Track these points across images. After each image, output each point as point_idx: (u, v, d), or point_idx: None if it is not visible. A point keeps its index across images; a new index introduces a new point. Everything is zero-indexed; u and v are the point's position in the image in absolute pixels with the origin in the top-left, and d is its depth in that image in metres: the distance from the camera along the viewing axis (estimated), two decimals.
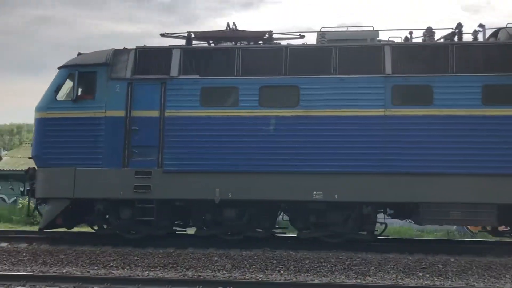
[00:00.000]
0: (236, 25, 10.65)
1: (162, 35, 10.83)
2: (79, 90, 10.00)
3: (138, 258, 8.65)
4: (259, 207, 9.57)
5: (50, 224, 9.94)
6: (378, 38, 10.12)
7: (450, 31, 10.07)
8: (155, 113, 9.58)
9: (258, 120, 9.35)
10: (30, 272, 7.87)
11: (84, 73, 9.97)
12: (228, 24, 10.59)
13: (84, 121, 9.77)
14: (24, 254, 9.06)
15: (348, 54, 9.51)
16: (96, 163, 9.63)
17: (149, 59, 9.91)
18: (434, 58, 9.33)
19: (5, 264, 8.57)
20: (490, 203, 8.81)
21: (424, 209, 8.97)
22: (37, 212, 10.66)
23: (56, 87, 10.05)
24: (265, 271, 7.97)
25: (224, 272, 7.92)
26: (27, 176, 10.29)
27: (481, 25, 9.93)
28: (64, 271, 8.03)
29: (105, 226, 10.14)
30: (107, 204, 9.71)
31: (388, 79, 9.17)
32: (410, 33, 10.15)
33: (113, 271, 8.00)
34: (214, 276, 7.62)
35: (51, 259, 8.78)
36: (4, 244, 9.81)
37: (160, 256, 8.71)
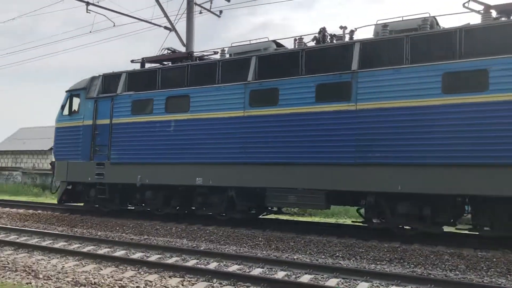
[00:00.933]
0: (175, 48, 13.68)
1: (132, 61, 14.49)
2: (72, 107, 14.43)
3: (363, 250, 8.83)
4: (169, 190, 12.47)
5: (61, 199, 14.62)
6: (274, 48, 11.85)
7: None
8: (107, 121, 13.33)
9: (163, 123, 12.26)
10: (266, 256, 8.63)
11: (74, 95, 14.38)
12: (168, 48, 13.68)
13: (73, 128, 14.16)
14: (260, 238, 10.02)
15: (228, 66, 11.64)
16: (77, 157, 13.90)
17: (109, 82, 13.69)
18: (287, 63, 10.76)
19: (245, 247, 9.61)
20: (319, 189, 9.96)
21: (270, 193, 10.59)
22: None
23: (62, 105, 14.70)
24: (508, 276, 7.29)
25: (457, 272, 7.47)
26: (52, 166, 15.25)
27: (341, 27, 10.76)
28: (295, 257, 8.56)
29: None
30: (83, 185, 13.92)
31: (247, 85, 11.02)
32: (295, 40, 11.54)
33: (340, 262, 8.24)
34: (446, 276, 7.21)
35: (282, 245, 9.50)
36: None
37: (385, 250, 8.75)
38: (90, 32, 22.00)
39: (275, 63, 10.97)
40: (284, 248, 9.31)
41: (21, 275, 7.15)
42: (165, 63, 13.59)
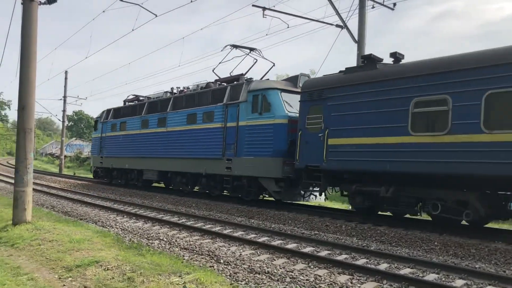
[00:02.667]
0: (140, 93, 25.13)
1: (123, 101, 26.40)
2: (97, 127, 27.06)
3: None
4: (121, 170, 24.04)
5: (94, 176, 27.52)
6: (168, 95, 22.36)
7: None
8: (105, 134, 25.50)
9: (119, 136, 23.82)
10: (442, 261, 8.04)
11: (96, 121, 27.08)
12: (133, 94, 25.18)
13: (96, 138, 26.87)
14: (435, 243, 9.43)
15: (139, 106, 22.58)
16: (96, 153, 26.52)
17: (107, 113, 25.83)
18: (153, 107, 21.17)
19: (418, 250, 9.14)
20: (156, 170, 20.30)
21: (144, 172, 21.27)
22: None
23: (93, 126, 27.55)
24: None
25: None
26: (90, 158, 28.23)
27: (184, 87, 20.70)
28: (476, 266, 7.85)
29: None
30: (98, 168, 26.48)
31: (141, 117, 21.81)
32: (169, 90, 21.86)
33: None
34: None
35: (461, 251, 8.81)
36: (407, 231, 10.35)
37: None
38: (267, 35, 23.37)
39: (151, 106, 21.55)
40: (463, 255, 8.72)
41: (205, 259, 7.78)
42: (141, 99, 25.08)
